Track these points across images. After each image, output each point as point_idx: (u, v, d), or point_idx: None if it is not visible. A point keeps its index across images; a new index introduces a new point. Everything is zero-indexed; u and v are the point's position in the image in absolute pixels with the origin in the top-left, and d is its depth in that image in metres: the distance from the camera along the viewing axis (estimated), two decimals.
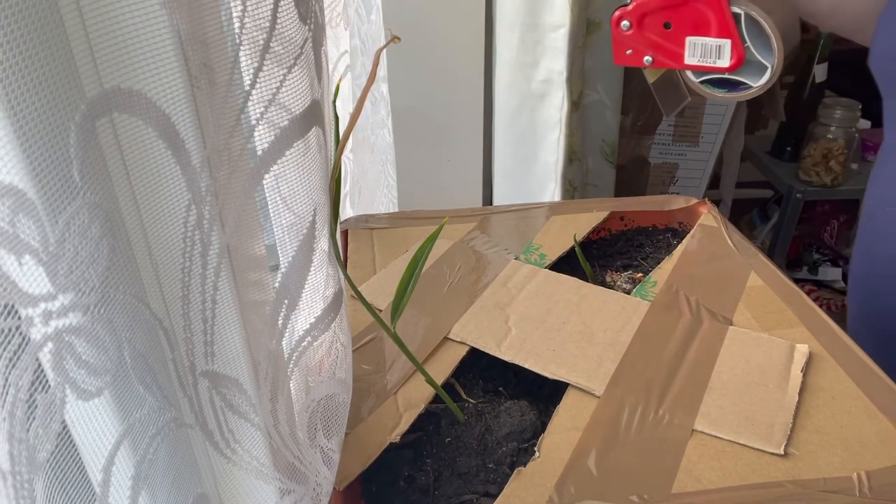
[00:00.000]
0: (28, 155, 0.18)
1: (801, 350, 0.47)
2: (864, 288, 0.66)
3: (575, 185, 0.91)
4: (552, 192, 0.88)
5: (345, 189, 1.00)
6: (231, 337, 0.28)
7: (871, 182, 0.63)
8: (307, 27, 0.28)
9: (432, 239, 0.39)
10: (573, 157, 0.87)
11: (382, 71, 0.82)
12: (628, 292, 0.56)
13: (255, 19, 0.26)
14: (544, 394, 0.47)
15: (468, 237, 0.64)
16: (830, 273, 1.61)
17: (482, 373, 0.50)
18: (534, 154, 0.86)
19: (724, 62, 0.52)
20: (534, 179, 0.88)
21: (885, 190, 0.61)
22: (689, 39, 0.52)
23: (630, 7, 0.52)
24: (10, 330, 0.18)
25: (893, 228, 0.60)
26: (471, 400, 0.47)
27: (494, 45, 0.83)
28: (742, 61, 0.51)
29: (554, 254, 0.61)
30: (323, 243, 0.34)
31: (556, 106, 0.83)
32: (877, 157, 0.63)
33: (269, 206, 0.30)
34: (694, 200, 0.68)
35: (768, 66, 0.51)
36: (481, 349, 0.49)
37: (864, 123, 1.35)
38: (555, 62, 0.80)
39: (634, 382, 0.45)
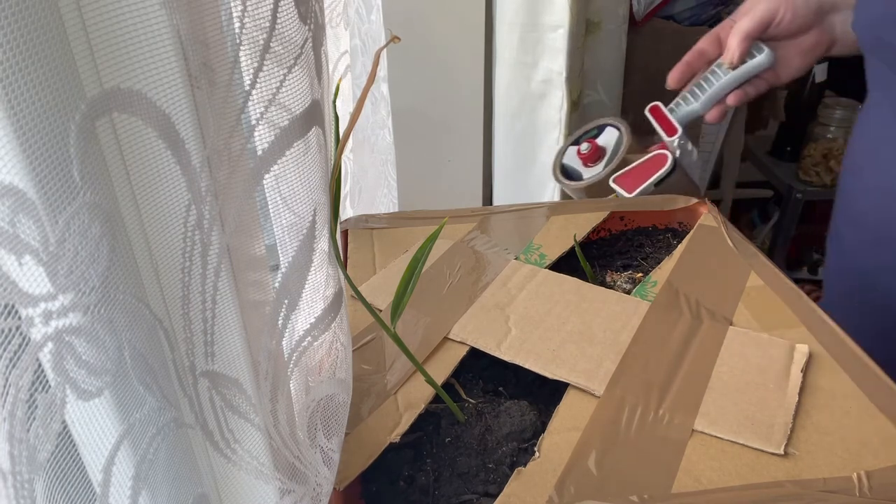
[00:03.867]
0: (28, 155, 0.18)
1: (801, 350, 0.47)
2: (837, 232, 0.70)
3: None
4: (552, 191, 0.88)
5: (345, 189, 1.00)
6: (231, 337, 0.28)
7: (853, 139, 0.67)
8: (307, 27, 0.28)
9: (432, 239, 0.39)
10: None
11: (383, 71, 0.82)
12: (628, 292, 0.56)
13: (255, 19, 0.26)
14: (544, 394, 0.47)
15: (468, 237, 0.64)
16: None
17: (482, 373, 0.50)
18: (533, 154, 0.87)
19: None
20: (534, 179, 0.88)
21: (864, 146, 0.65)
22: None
23: None
24: (10, 330, 0.18)
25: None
26: (471, 400, 0.47)
27: (494, 45, 0.83)
28: None
29: (554, 254, 0.61)
30: (323, 243, 0.34)
31: (556, 106, 0.83)
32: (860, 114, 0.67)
33: (269, 206, 0.30)
34: (694, 200, 0.68)
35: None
36: (481, 349, 0.49)
37: None
38: (554, 62, 0.80)
39: (634, 382, 0.45)
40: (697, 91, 0.71)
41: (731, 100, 0.69)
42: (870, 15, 0.59)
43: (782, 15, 0.64)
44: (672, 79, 0.70)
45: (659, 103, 0.74)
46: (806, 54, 0.68)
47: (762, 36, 0.66)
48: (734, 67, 0.67)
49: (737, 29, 0.65)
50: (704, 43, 0.68)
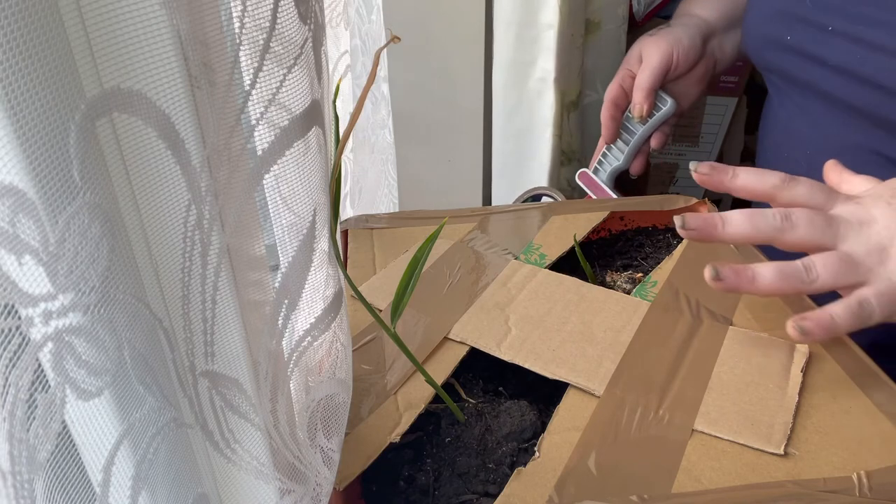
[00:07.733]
0: (28, 155, 0.18)
1: (801, 350, 0.47)
2: None
3: (574, 186, 0.91)
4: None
5: (345, 189, 1.00)
6: (231, 337, 0.28)
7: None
8: (307, 27, 0.28)
9: (432, 239, 0.39)
10: (572, 156, 0.87)
11: (383, 71, 0.82)
12: (628, 292, 0.56)
13: (255, 19, 0.26)
14: (544, 394, 0.47)
15: (468, 237, 0.64)
16: None
17: (482, 373, 0.50)
18: (531, 152, 0.86)
19: None
20: (533, 177, 0.88)
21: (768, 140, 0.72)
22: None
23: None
24: (10, 330, 0.18)
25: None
26: (471, 400, 0.47)
27: (493, 44, 0.83)
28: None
29: (554, 254, 0.61)
30: (323, 243, 0.34)
31: (550, 105, 0.83)
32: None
33: (269, 206, 0.30)
34: (694, 200, 0.68)
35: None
36: (481, 349, 0.49)
37: None
38: (547, 61, 0.80)
39: (634, 382, 0.45)
40: (617, 149, 0.77)
41: (654, 143, 0.76)
42: (754, 38, 0.66)
43: (676, 59, 0.70)
44: (608, 137, 0.77)
45: (586, 169, 0.80)
46: (700, 82, 0.75)
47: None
48: (644, 121, 0.73)
49: (639, 85, 0.71)
50: (612, 94, 0.74)
